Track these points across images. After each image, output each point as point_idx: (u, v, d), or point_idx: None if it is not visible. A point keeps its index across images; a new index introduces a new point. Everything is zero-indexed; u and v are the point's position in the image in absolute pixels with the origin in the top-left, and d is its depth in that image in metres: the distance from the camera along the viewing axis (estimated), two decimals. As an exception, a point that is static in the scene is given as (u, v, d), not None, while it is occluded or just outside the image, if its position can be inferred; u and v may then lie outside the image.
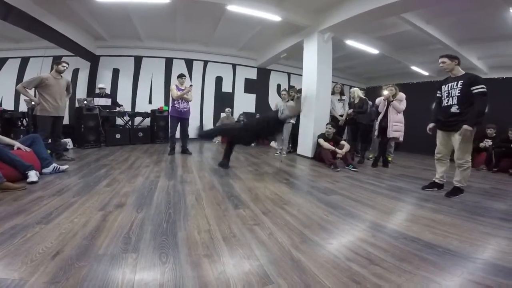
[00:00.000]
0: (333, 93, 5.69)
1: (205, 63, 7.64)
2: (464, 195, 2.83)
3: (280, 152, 5.59)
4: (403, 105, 4.38)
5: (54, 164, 2.93)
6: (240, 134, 3.81)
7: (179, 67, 7.36)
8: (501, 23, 4.48)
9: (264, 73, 8.40)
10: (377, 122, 4.60)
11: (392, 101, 4.34)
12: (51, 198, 2.09)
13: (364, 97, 5.20)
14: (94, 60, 6.62)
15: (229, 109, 7.46)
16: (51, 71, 3.83)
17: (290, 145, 6.14)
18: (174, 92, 4.67)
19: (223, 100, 7.96)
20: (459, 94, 2.74)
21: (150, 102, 7.18)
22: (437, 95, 3.03)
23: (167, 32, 6.34)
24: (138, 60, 7.06)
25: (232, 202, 2.32)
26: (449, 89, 2.84)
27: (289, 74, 8.63)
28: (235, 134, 3.93)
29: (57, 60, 3.85)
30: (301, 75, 5.74)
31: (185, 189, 2.65)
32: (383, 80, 9.25)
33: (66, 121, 5.18)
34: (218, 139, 7.38)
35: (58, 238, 1.41)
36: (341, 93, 5.60)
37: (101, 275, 1.13)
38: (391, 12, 4.15)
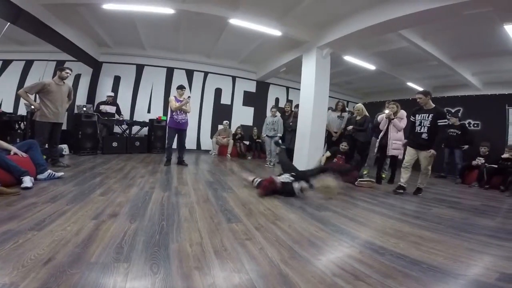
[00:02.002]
0: (334, 109, 5.87)
1: (206, 74, 7.81)
2: (453, 211, 3.14)
3: (269, 163, 6.00)
4: (403, 123, 4.49)
5: (49, 171, 2.96)
6: None
7: (179, 77, 7.52)
8: (495, 39, 4.66)
9: (263, 86, 8.57)
10: (378, 140, 4.70)
11: (393, 119, 4.46)
12: (45, 205, 2.11)
13: (367, 115, 5.31)
14: (96, 66, 6.76)
15: (227, 121, 7.56)
16: (53, 76, 3.89)
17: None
18: (173, 103, 4.75)
19: (222, 112, 8.06)
20: (429, 125, 3.59)
21: (149, 111, 7.28)
22: (411, 119, 3.87)
23: (170, 42, 6.51)
24: (139, 68, 7.20)
25: (226, 216, 2.35)
26: (422, 119, 3.68)
27: (287, 88, 8.81)
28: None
29: (60, 66, 3.94)
30: (299, 89, 5.89)
31: (179, 201, 2.68)
32: (379, 96, 9.52)
33: (63, 126, 5.26)
34: (214, 151, 7.44)
35: (51, 245, 1.44)
36: (343, 110, 5.78)
37: (92, 283, 1.16)
38: (390, 29, 4.34)
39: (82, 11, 4.96)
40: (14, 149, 2.76)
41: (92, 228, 1.75)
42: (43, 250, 1.38)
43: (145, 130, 6.82)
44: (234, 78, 8.17)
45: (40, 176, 2.87)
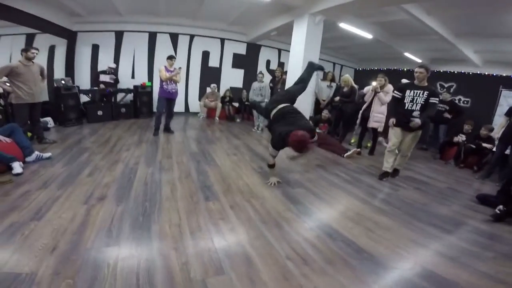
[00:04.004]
0: (324, 79, 6.07)
1: (192, 37, 7.61)
2: (418, 194, 3.39)
3: (257, 128, 6.22)
4: (388, 97, 4.62)
5: (36, 152, 3.20)
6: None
7: (163, 42, 7.37)
8: (504, 22, 4.54)
9: (254, 49, 8.46)
10: (361, 111, 4.97)
11: (379, 92, 4.66)
12: (38, 192, 2.43)
13: (354, 86, 5.51)
14: (71, 37, 6.53)
15: (214, 85, 7.64)
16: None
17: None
18: (163, 74, 4.88)
19: (210, 75, 8.09)
20: (423, 103, 3.38)
21: (133, 77, 7.27)
22: (396, 95, 3.60)
23: (149, 6, 6.22)
24: (119, 35, 6.99)
25: (204, 193, 2.73)
26: (415, 95, 3.42)
27: (279, 50, 8.71)
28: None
29: (25, 47, 3.82)
30: (292, 52, 5.87)
31: (162, 178, 3.02)
32: (375, 63, 9.51)
33: (45, 98, 5.35)
34: (203, 114, 7.67)
35: (52, 235, 1.80)
36: (332, 80, 6.08)
37: (91, 266, 1.55)
38: (392, 2, 4.17)
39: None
40: None
41: (84, 214, 2.11)
42: (47, 239, 1.75)
43: (130, 96, 6.91)
44: (222, 40, 7.99)
45: (28, 159, 3.12)
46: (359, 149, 4.95)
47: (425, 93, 3.36)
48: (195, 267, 1.62)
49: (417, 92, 3.40)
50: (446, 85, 7.59)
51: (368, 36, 6.39)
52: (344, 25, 5.91)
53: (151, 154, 3.92)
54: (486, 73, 6.91)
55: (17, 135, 3.14)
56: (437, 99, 3.42)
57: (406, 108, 3.47)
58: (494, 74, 6.79)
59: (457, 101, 6.97)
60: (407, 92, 3.48)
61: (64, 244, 1.72)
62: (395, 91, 3.67)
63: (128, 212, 2.21)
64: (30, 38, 5.35)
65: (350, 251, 1.95)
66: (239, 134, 5.86)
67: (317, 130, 5.43)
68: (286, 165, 3.90)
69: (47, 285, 1.37)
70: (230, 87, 8.07)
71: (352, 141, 5.87)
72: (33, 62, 3.81)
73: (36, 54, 3.82)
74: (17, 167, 2.78)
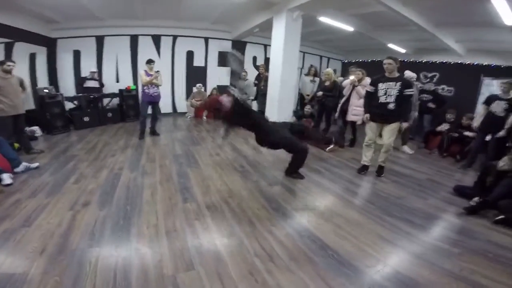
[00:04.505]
0: (307, 74, 6.35)
1: (175, 38, 7.81)
2: (396, 186, 3.55)
3: None
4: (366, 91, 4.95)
5: (24, 164, 3.45)
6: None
7: (145, 44, 7.58)
8: (481, 11, 4.63)
9: (239, 46, 8.62)
10: (339, 105, 5.23)
11: (357, 85, 4.89)
12: (28, 201, 2.71)
13: (337, 80, 5.74)
14: (50, 44, 6.68)
15: (200, 84, 7.88)
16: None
17: None
18: (143, 78, 5.13)
19: (195, 75, 8.32)
20: (397, 94, 3.49)
21: (117, 81, 7.49)
22: (370, 90, 3.76)
23: (127, 10, 6.34)
24: (100, 40, 7.16)
25: (183, 195, 2.99)
26: (387, 87, 3.55)
27: (265, 46, 8.90)
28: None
29: (1, 60, 3.96)
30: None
31: (144, 182, 3.30)
32: (361, 55, 9.71)
33: (31, 106, 5.56)
34: (190, 114, 7.92)
35: (41, 239, 2.08)
36: (315, 75, 6.36)
37: (76, 265, 1.83)
38: None
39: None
40: None
41: (70, 219, 2.40)
42: (37, 243, 2.03)
43: (116, 100, 7.15)
44: (206, 39, 8.19)
45: (16, 170, 3.36)
46: (332, 145, 5.16)
47: (398, 84, 3.47)
48: (167, 264, 1.89)
49: (389, 84, 3.53)
50: (429, 75, 7.84)
51: (349, 28, 6.58)
52: (324, 19, 6.06)
53: (136, 158, 4.20)
54: (468, 62, 7.17)
55: (3, 148, 3.37)
56: (412, 89, 3.54)
57: (379, 101, 3.60)
58: (476, 63, 7.05)
59: (440, 91, 7.24)
60: (380, 85, 3.61)
61: (52, 246, 2.00)
62: (367, 86, 3.84)
63: (110, 216, 2.49)
64: (9, 47, 5.46)
65: (314, 248, 2.12)
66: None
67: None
68: (267, 163, 4.18)
69: (37, 283, 1.66)
70: (217, 86, 8.26)
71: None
72: (11, 74, 3.98)
73: (13, 66, 3.96)
74: (6, 178, 3.04)
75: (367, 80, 4.87)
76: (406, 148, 5.28)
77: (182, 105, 8.35)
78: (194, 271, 1.84)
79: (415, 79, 4.98)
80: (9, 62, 3.92)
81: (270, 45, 8.65)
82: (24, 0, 5.03)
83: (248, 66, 8.75)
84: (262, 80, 6.57)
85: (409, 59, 7.97)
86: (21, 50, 5.78)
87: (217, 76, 8.63)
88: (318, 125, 6.02)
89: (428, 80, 7.63)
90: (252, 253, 2.05)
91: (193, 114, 7.96)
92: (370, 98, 3.76)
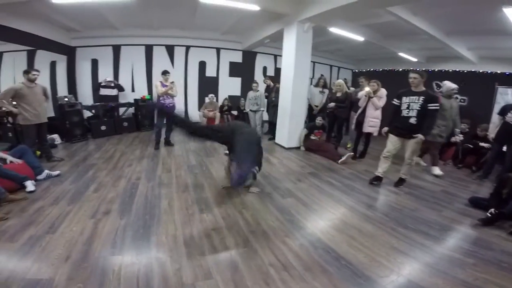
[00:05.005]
0: (316, 85, 6.37)
1: (187, 48, 8.03)
2: (410, 198, 3.52)
3: None
4: (382, 102, 4.87)
5: (46, 171, 3.60)
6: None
7: (160, 54, 7.81)
8: (493, 19, 4.63)
9: (249, 56, 8.82)
10: (355, 116, 5.20)
11: (373, 97, 4.87)
12: (51, 208, 2.82)
13: (349, 91, 5.71)
14: (70, 52, 6.95)
15: (212, 95, 8.00)
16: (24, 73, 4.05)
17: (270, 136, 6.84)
18: (159, 89, 5.27)
19: (207, 85, 8.48)
20: (419, 108, 3.47)
21: (133, 90, 7.71)
22: (395, 103, 3.75)
23: (143, 20, 6.57)
24: (116, 49, 7.42)
25: (199, 206, 3.04)
26: (410, 101, 3.54)
27: (275, 56, 9.04)
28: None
29: (27, 69, 4.09)
30: (288, 58, 6.14)
31: (161, 192, 3.37)
32: (373, 64, 9.75)
33: (51, 113, 5.72)
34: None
35: (65, 245, 2.17)
36: (324, 86, 6.35)
37: (99, 272, 1.89)
38: (378, 5, 4.34)
39: (33, 5, 4.88)
40: (9, 157, 3.34)
41: (92, 227, 2.48)
42: (61, 250, 2.11)
43: (132, 109, 7.35)
44: (218, 50, 8.39)
45: (39, 177, 3.51)
46: (352, 153, 5.22)
47: (421, 98, 3.44)
48: (187, 273, 1.94)
49: (412, 98, 3.51)
50: (441, 84, 7.72)
51: (360, 38, 6.61)
52: (334, 30, 6.11)
53: (152, 168, 4.29)
54: (481, 71, 7.06)
55: (28, 156, 3.54)
56: (437, 104, 3.44)
57: (401, 115, 3.60)
58: (489, 72, 6.93)
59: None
60: (403, 98, 3.60)
61: (76, 253, 2.08)
62: (394, 99, 3.78)
63: (130, 225, 2.56)
64: (31, 54, 5.68)
65: (329, 258, 2.14)
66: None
67: (312, 137, 5.75)
68: (280, 175, 4.20)
69: (63, 288, 1.73)
70: (228, 96, 8.41)
71: (348, 145, 6.08)
72: (35, 83, 4.13)
73: (37, 75, 4.11)
74: (29, 185, 3.17)
75: (383, 91, 4.92)
76: (436, 170, 4.69)
77: (195, 114, 8.47)
78: (213, 280, 1.88)
79: (456, 90, 4.76)
80: (34, 71, 4.06)
81: (280, 56, 8.84)
82: (46, 9, 5.21)
83: (259, 76, 8.88)
84: (272, 92, 6.63)
85: (421, 68, 7.86)
86: (43, 58, 6.01)
87: (229, 86, 8.79)
88: (330, 137, 6.01)
89: (440, 89, 7.52)
90: (266, 263, 2.08)
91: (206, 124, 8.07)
92: (394, 112, 3.76)
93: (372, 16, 5.54)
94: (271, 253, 2.22)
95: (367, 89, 4.94)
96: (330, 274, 1.96)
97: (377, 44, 7.18)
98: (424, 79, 3.50)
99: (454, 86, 4.70)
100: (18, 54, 6.08)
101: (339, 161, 4.95)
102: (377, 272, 2.02)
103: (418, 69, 3.75)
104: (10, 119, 4.74)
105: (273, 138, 6.59)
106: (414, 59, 8.06)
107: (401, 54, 7.82)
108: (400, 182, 3.91)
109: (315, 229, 2.66)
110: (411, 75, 3.55)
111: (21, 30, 5.41)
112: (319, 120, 5.75)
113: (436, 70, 7.88)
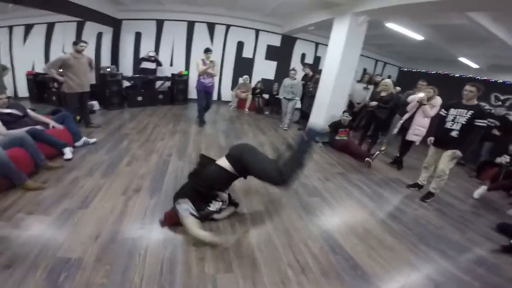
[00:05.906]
0: (360, 81, 5.95)
1: (228, 27, 7.86)
2: (437, 215, 3.32)
3: (284, 125, 6.41)
4: (433, 111, 4.33)
5: (84, 138, 3.73)
6: None
7: (201, 31, 7.73)
8: None
9: (288, 41, 8.48)
10: (401, 121, 4.71)
11: (425, 104, 4.35)
12: (85, 179, 2.89)
13: (394, 92, 5.21)
14: (116, 25, 7.07)
15: (246, 76, 7.87)
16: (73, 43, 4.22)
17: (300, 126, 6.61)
18: (200, 67, 5.14)
19: (243, 66, 8.34)
20: (464, 123, 3.31)
21: (171, 65, 7.77)
22: (442, 113, 3.59)
23: None
24: (159, 24, 7.43)
25: (226, 193, 3.00)
26: (457, 114, 3.38)
27: (316, 44, 8.63)
28: None
29: (75, 40, 4.22)
30: (330, 47, 5.77)
31: (190, 174, 3.36)
32: (423, 64, 9.01)
33: (93, 81, 5.89)
34: (234, 104, 7.97)
35: (96, 223, 2.21)
36: (369, 82, 5.90)
37: (126, 255, 1.92)
38: (453, 8, 3.83)
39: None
40: (52, 122, 3.46)
41: (122, 205, 2.51)
42: (92, 228, 2.15)
43: (168, 83, 7.43)
44: (257, 31, 8.13)
45: (77, 144, 3.63)
46: (377, 152, 4.85)
47: (470, 112, 3.26)
48: (209, 263, 1.94)
49: (460, 111, 3.35)
50: (502, 98, 6.94)
51: (419, 37, 6.05)
52: (391, 25, 5.61)
53: (183, 146, 4.32)
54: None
55: (69, 123, 3.66)
56: (485, 121, 3.23)
57: (445, 126, 3.47)
58: None
59: (511, 117, 6.21)
60: (451, 110, 3.45)
61: (106, 233, 2.11)
62: (442, 109, 3.62)
63: (159, 206, 2.57)
64: (80, 26, 5.85)
65: (346, 266, 2.13)
66: (265, 129, 6.10)
67: (337, 137, 5.33)
68: (308, 171, 4.04)
69: (90, 269, 1.75)
70: (262, 79, 8.23)
71: (383, 148, 5.73)
72: (82, 54, 4.24)
73: (85, 47, 4.22)
74: (68, 152, 3.28)
75: (438, 100, 4.39)
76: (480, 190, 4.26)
77: (227, 94, 8.42)
78: (232, 273, 1.88)
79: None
80: (82, 42, 4.17)
81: (322, 44, 8.47)
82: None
83: (296, 63, 8.55)
84: (311, 82, 6.31)
85: (481, 77, 7.08)
86: (90, 29, 6.19)
87: (264, 69, 8.58)
88: (364, 137, 5.66)
89: (500, 103, 6.80)
90: (286, 262, 2.06)
91: (236, 105, 8.00)
92: (441, 122, 3.59)
93: (440, 17, 4.98)
94: (291, 253, 2.19)
95: (421, 94, 4.40)
96: (345, 283, 1.95)
97: (436, 45, 6.54)
98: (480, 94, 3.28)
99: None
100: (68, 25, 6.32)
101: (366, 159, 4.66)
102: (387, 285, 2.02)
103: (477, 78, 3.42)
104: (55, 84, 4.90)
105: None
106: (475, 66, 7.15)
107: (461, 59, 6.99)
108: (428, 196, 3.67)
109: (338, 234, 2.59)
110: (467, 87, 3.32)
111: (72, 1, 5.51)
112: (345, 117, 5.24)
113: (498, 81, 7.00)
